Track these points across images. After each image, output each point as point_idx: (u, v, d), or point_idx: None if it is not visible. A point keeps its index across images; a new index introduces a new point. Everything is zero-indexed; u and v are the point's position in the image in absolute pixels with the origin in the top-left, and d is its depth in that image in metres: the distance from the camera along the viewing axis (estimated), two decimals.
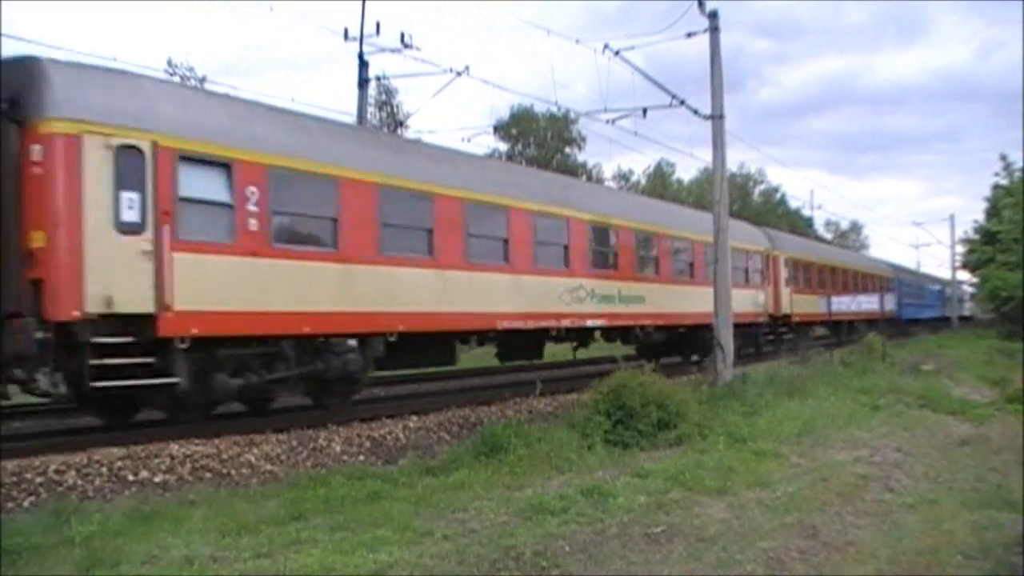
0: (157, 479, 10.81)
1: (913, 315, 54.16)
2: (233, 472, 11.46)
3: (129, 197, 10.99)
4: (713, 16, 20.96)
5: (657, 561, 7.38)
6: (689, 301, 24.35)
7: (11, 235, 10.37)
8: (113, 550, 7.16)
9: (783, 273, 32.55)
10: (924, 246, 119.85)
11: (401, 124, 45.12)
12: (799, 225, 73.92)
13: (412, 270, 15.56)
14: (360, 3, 25.50)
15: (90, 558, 6.94)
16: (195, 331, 11.70)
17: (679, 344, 25.39)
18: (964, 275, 68.42)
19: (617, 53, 21.17)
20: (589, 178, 68.39)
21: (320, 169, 13.88)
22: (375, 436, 13.78)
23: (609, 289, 21.25)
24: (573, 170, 66.15)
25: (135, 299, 10.99)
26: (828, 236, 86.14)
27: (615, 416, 13.27)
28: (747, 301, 28.50)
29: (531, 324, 18.61)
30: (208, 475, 11.20)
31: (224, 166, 12.35)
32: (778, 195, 78.24)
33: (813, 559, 7.71)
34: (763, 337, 31.42)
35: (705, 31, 21.11)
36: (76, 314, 10.47)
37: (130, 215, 11.01)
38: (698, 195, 57.34)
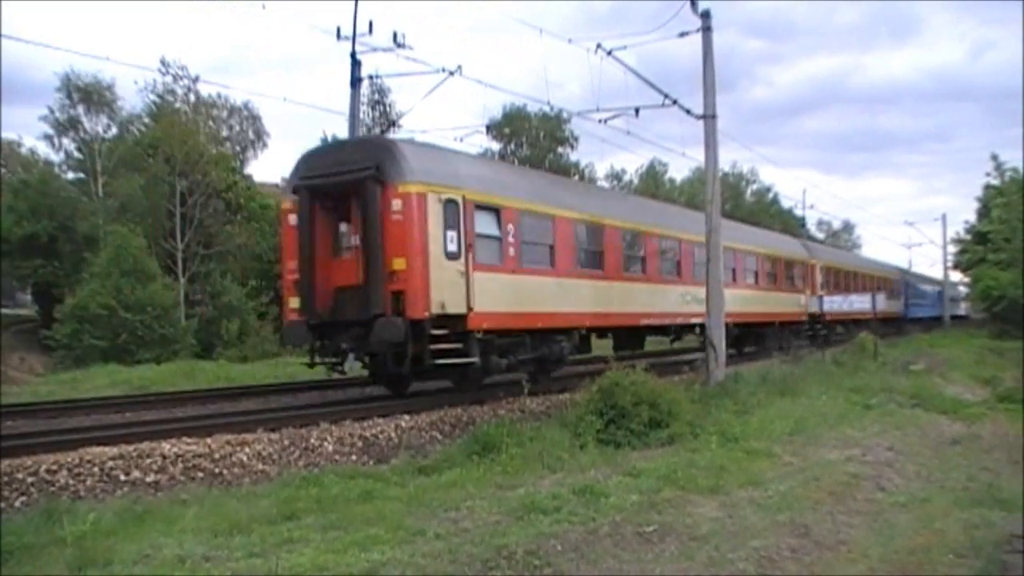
0: (149, 479, 10.81)
1: (916, 313, 58.28)
2: (225, 471, 11.45)
3: (451, 235, 15.54)
4: (706, 16, 20.97)
5: (649, 560, 7.38)
6: (762, 304, 30.96)
7: (379, 261, 14.78)
8: (105, 550, 7.15)
9: (819, 279, 37.65)
10: (916, 246, 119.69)
11: (393, 124, 45.11)
12: (791, 225, 73.97)
13: (592, 282, 20.45)
14: (352, 2, 25.40)
15: (82, 558, 6.93)
16: (485, 325, 16.28)
17: (751, 336, 30.82)
18: (956, 275, 68.66)
19: (610, 53, 21.17)
20: (581, 177, 68.50)
21: (544, 210, 18.85)
22: (367, 436, 13.77)
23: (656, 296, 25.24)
24: (566, 170, 66.24)
25: (456, 304, 15.49)
26: (820, 236, 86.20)
27: (607, 415, 13.30)
28: (794, 303, 33.83)
29: (656, 321, 23.83)
30: (200, 475, 11.20)
31: (495, 211, 17.11)
32: (770, 195, 78.32)
33: (805, 558, 7.72)
34: (804, 333, 35.55)
35: (698, 31, 21.11)
36: (426, 314, 14.93)
37: (452, 247, 15.53)
38: (690, 195, 57.36)
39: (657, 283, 23.77)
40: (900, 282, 54.89)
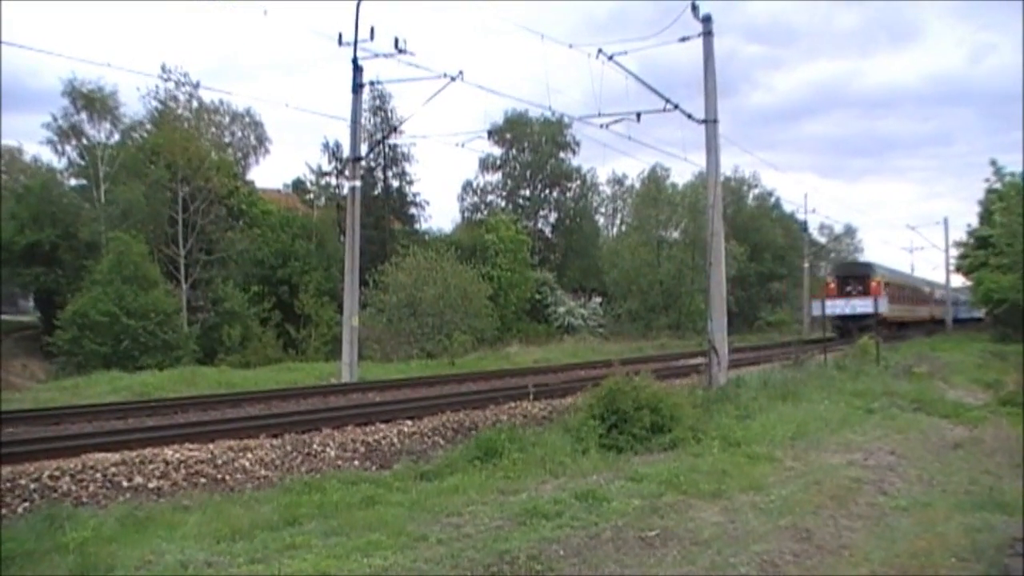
0: (151, 485, 10.82)
1: (962, 316, 73.63)
2: (227, 477, 11.46)
3: (884, 293, 43.95)
4: (707, 20, 21.04)
5: (651, 565, 7.38)
6: (930, 312, 61.61)
7: (875, 308, 38.22)
8: (107, 556, 7.15)
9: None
10: (918, 249, 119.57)
11: (395, 129, 45.15)
12: (793, 229, 73.75)
13: (903, 305, 51.36)
14: (354, 8, 25.46)
15: (84, 564, 6.94)
16: (886, 319, 42.99)
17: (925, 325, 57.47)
18: (958, 279, 68.87)
19: (611, 58, 21.26)
20: (583, 183, 68.53)
21: (895, 281, 52.40)
22: (369, 441, 13.79)
23: (905, 310, 53.03)
24: (567, 175, 66.22)
25: (880, 312, 37.85)
26: (822, 240, 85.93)
27: (609, 420, 13.29)
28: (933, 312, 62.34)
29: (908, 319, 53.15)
30: (202, 480, 11.21)
31: (888, 284, 47.49)
32: (772, 199, 78.12)
33: (807, 562, 7.71)
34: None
35: (699, 35, 21.18)
36: (880, 315, 38.37)
37: (885, 297, 42.16)
38: (692, 200, 57.30)
39: (917, 305, 55.98)
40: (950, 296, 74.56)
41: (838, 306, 40.65)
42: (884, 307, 38.81)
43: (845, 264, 55.98)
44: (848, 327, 43.37)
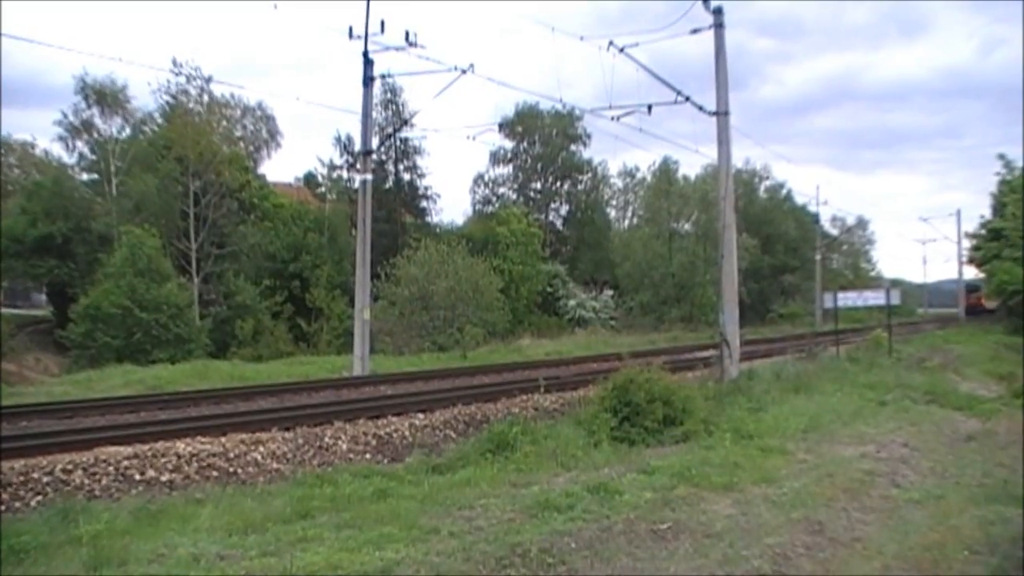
0: (164, 478, 10.86)
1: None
2: (240, 471, 11.50)
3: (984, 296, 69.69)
4: (718, 12, 20.99)
5: (663, 558, 7.36)
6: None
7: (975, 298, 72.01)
8: (120, 549, 7.17)
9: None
10: (930, 241, 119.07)
11: (406, 123, 45.16)
12: (805, 221, 73.52)
13: (990, 301, 65.45)
14: (364, 2, 25.46)
15: (97, 557, 6.95)
16: (985, 307, 66.63)
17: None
18: (970, 271, 69.48)
19: (622, 50, 21.20)
20: (595, 176, 68.51)
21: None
22: (381, 434, 13.80)
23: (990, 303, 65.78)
24: (579, 167, 66.15)
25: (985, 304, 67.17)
26: (835, 232, 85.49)
27: (621, 413, 13.28)
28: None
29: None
30: (215, 474, 11.25)
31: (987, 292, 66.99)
32: (783, 191, 77.88)
33: (819, 555, 7.68)
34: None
35: (710, 28, 21.12)
36: (984, 305, 67.06)
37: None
38: (704, 192, 57.16)
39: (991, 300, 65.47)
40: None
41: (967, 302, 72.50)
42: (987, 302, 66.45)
43: (969, 283, 74.93)
44: (974, 311, 67.87)
